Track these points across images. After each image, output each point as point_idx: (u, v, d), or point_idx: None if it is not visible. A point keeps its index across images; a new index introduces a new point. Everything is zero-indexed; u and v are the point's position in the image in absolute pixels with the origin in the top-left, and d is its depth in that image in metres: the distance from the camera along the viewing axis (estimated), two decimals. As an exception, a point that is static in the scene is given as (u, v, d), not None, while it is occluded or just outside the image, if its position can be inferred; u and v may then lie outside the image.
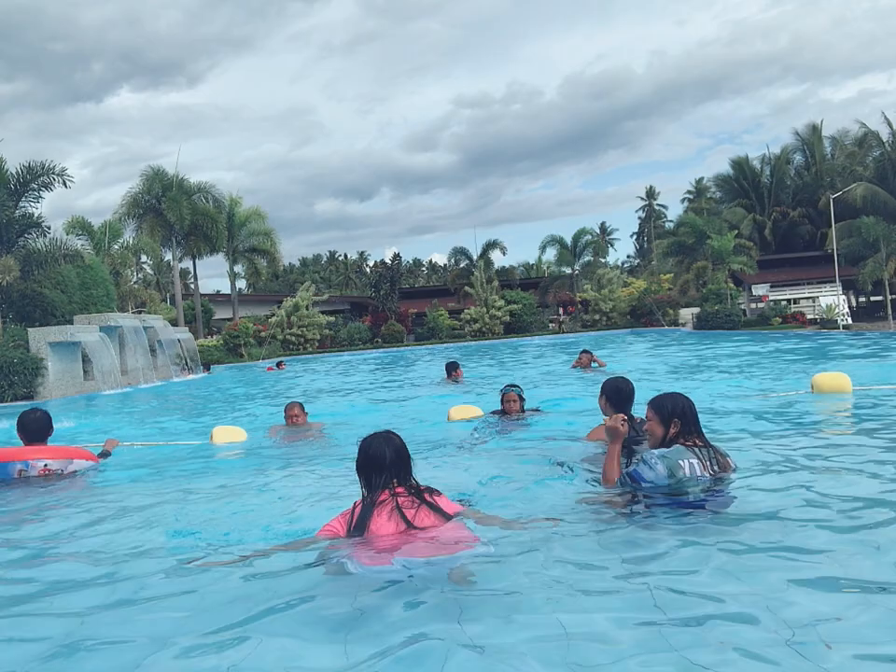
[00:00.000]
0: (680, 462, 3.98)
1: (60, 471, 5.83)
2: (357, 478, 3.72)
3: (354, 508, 3.58)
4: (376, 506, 3.51)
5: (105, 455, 6.74)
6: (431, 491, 3.67)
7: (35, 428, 6.11)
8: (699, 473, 3.99)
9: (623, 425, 4.39)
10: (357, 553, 3.30)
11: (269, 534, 4.03)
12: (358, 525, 3.47)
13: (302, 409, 8.84)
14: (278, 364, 25.72)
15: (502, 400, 8.08)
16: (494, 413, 8.13)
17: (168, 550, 3.88)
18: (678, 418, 4.16)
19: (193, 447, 8.04)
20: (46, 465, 5.76)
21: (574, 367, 15.29)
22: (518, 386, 8.22)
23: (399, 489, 3.58)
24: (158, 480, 6.13)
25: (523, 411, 8.02)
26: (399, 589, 2.98)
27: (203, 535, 4.12)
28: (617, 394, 5.40)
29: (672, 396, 4.30)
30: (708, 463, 4.05)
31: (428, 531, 3.42)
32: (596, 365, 14.97)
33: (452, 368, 14.17)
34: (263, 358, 33.12)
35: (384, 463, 3.62)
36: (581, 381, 13.14)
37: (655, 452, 4.12)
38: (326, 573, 3.23)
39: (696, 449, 4.09)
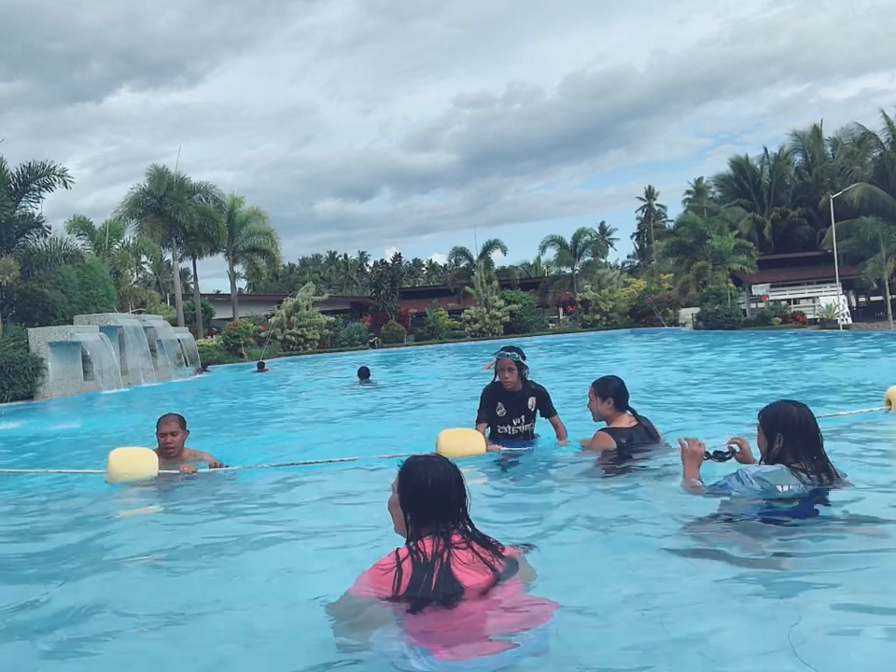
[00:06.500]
0: (779, 488, 3.51)
1: None
2: (400, 520, 2.83)
3: (399, 561, 2.63)
4: (438, 557, 2.61)
5: None
6: (496, 543, 2.80)
7: None
8: (797, 493, 3.51)
9: (700, 447, 3.96)
10: (423, 637, 2.39)
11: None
12: (413, 585, 2.56)
13: (182, 424, 5.97)
14: (260, 366, 25.29)
15: (496, 370, 6.19)
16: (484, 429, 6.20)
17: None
18: (780, 433, 3.63)
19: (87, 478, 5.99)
20: None
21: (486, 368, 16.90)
22: (515, 350, 6.16)
23: (456, 536, 2.69)
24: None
25: (525, 384, 6.18)
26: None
27: None
28: (621, 393, 5.29)
29: (779, 406, 3.75)
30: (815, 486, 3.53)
31: (506, 596, 2.59)
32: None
33: (364, 374, 15.62)
34: (263, 358, 33.07)
35: (445, 499, 2.73)
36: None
37: (753, 469, 3.61)
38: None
39: (803, 474, 3.53)
